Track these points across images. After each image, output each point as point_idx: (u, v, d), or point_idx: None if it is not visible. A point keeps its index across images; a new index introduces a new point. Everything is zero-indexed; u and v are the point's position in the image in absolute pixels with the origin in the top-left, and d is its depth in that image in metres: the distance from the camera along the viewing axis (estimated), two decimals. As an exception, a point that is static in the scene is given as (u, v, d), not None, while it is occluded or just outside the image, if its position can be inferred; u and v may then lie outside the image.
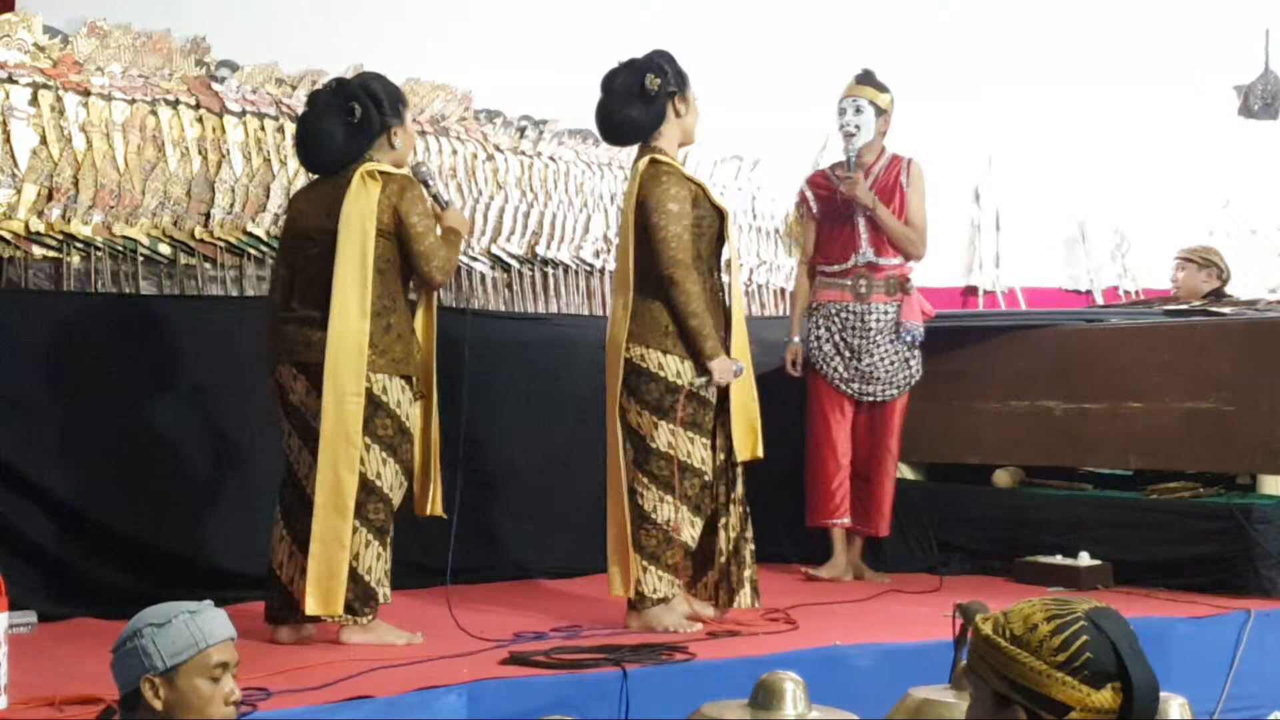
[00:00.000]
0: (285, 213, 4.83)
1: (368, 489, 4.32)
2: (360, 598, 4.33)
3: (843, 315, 5.97)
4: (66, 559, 4.89)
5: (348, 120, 4.43)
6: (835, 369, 5.97)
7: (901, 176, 6.03)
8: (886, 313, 5.98)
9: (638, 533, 4.63)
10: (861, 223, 5.96)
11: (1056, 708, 2.08)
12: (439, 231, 4.48)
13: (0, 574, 3.49)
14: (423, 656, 4.07)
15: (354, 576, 4.30)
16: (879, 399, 6.00)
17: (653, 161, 4.70)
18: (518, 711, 3.71)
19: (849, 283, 5.98)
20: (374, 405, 4.31)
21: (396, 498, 4.43)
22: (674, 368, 4.64)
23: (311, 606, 4.26)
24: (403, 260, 4.40)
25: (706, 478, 4.71)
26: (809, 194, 6.11)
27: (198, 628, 2.69)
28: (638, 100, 4.74)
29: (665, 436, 4.62)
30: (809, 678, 2.98)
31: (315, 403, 4.32)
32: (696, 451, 4.66)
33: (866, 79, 6.02)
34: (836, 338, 5.96)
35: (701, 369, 4.64)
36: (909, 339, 5.99)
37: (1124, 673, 2.09)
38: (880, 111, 5.99)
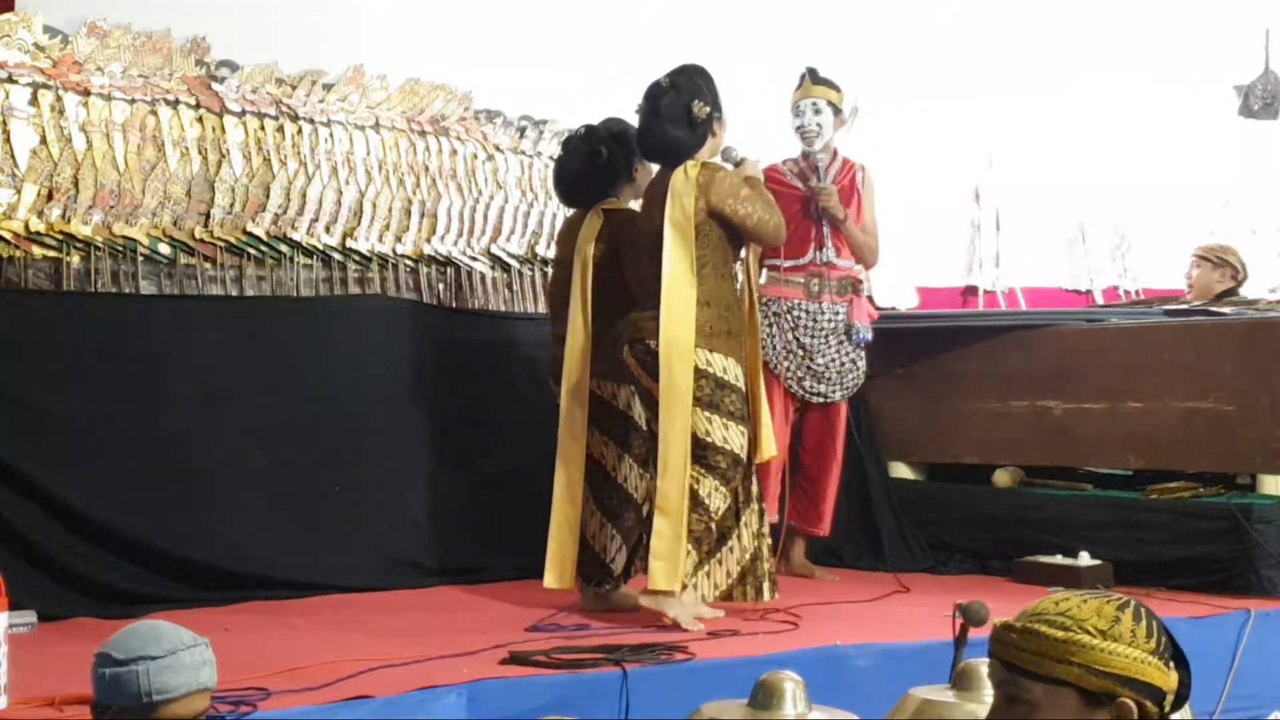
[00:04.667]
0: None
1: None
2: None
3: (795, 314, 5.88)
4: (66, 559, 4.88)
5: (594, 162, 5.03)
6: (787, 368, 5.88)
7: (857, 181, 5.96)
8: (838, 313, 5.91)
9: (690, 515, 4.66)
10: (825, 223, 5.86)
11: (1157, 694, 2.11)
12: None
13: (0, 574, 3.49)
14: (423, 656, 4.07)
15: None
16: (829, 399, 5.94)
17: (704, 166, 4.77)
18: (518, 711, 3.71)
19: (801, 280, 5.89)
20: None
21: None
22: (720, 364, 4.69)
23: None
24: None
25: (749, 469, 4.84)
26: None
27: (149, 681, 2.58)
28: (684, 124, 4.77)
29: (719, 431, 4.68)
30: (809, 678, 2.98)
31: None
32: (746, 445, 4.77)
33: (821, 79, 5.92)
34: (789, 335, 5.87)
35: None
36: (858, 340, 5.94)
37: (1178, 649, 2.14)
38: (837, 112, 5.92)
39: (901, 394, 6.58)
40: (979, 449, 6.39)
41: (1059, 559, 5.69)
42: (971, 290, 7.93)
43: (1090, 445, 6.07)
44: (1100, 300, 8.05)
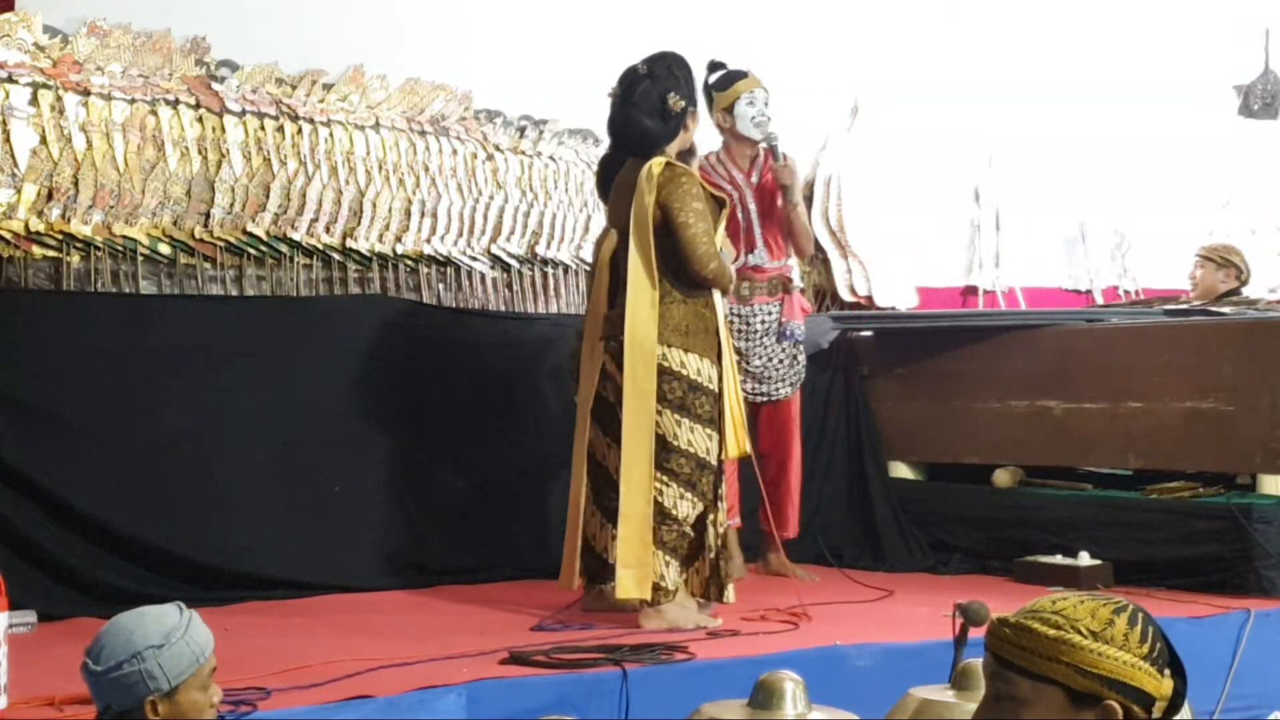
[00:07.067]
0: None
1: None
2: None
3: (726, 318, 5.86)
4: (66, 559, 4.88)
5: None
6: None
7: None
8: (770, 313, 5.84)
9: (659, 529, 4.64)
10: (756, 224, 5.77)
11: (1145, 699, 2.10)
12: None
13: (0, 574, 3.49)
14: (423, 656, 4.07)
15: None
16: (774, 398, 5.88)
17: (668, 165, 4.71)
18: (518, 711, 3.71)
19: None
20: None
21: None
22: (694, 365, 4.67)
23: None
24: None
25: (716, 472, 4.78)
26: None
27: (194, 641, 2.70)
28: (658, 115, 4.73)
29: (685, 434, 4.65)
30: (809, 678, 2.98)
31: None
32: (713, 448, 4.72)
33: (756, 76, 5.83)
34: None
35: None
36: (791, 339, 5.87)
37: (1175, 658, 2.14)
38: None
39: (901, 394, 6.58)
40: (979, 449, 6.39)
41: (1059, 559, 5.69)
42: (971, 290, 7.92)
43: (1090, 445, 6.07)
44: (1100, 300, 8.05)
